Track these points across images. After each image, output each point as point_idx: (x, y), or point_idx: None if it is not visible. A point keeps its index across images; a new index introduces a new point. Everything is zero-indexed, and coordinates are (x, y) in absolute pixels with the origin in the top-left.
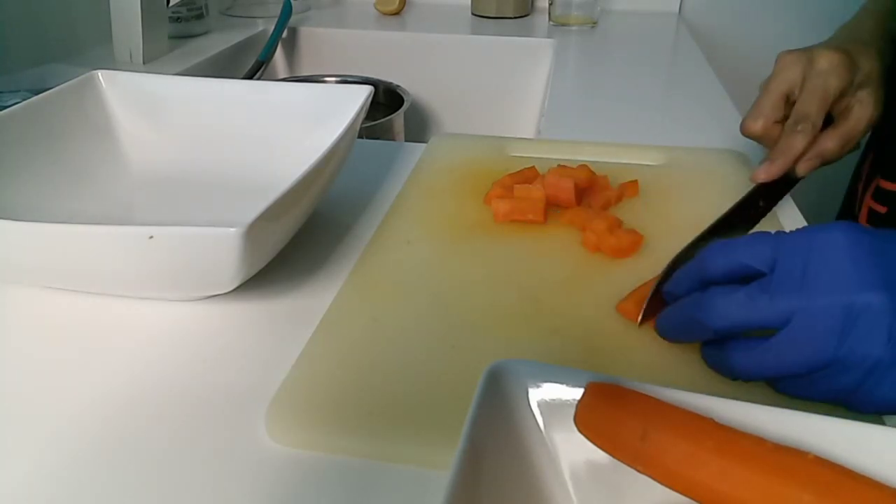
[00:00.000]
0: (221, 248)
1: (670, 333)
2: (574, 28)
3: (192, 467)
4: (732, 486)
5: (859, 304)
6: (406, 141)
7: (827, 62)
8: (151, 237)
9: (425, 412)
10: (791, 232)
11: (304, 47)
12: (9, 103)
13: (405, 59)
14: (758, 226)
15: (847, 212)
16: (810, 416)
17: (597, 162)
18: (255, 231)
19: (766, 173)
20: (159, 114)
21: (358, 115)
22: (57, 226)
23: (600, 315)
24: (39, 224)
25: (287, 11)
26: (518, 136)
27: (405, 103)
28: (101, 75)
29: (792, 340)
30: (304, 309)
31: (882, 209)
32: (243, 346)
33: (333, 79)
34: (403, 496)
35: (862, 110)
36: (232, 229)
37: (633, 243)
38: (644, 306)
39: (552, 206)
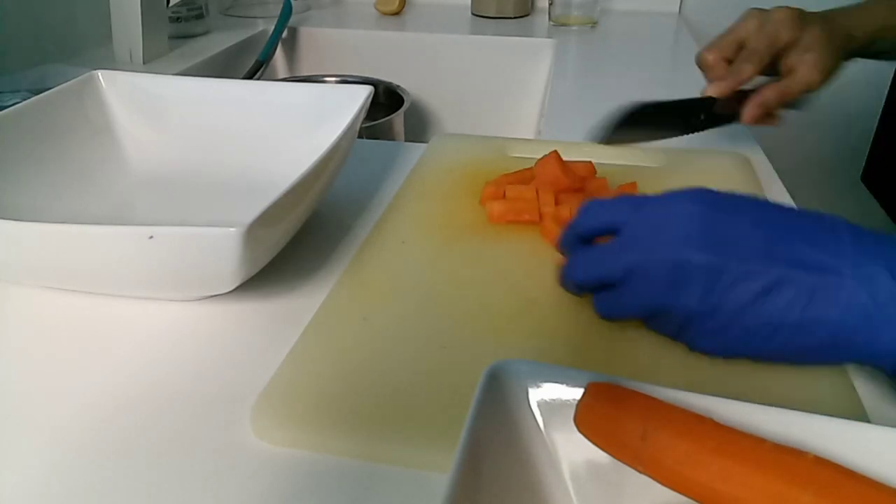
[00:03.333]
0: (221, 248)
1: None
2: (574, 28)
3: (185, 466)
4: (732, 486)
5: (681, 261)
6: (406, 141)
7: (780, 14)
8: (151, 237)
9: (413, 412)
10: (651, 196)
11: (304, 47)
12: (9, 103)
13: (405, 59)
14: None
15: None
16: (810, 416)
17: (596, 163)
18: (255, 231)
19: (715, 89)
20: (159, 114)
21: (358, 115)
22: (57, 226)
23: (595, 316)
24: (40, 224)
25: (287, 11)
26: (518, 136)
27: (405, 103)
28: (101, 75)
29: (631, 291)
30: (304, 309)
31: None
32: (243, 345)
33: (333, 79)
34: (387, 496)
35: (805, 71)
36: (232, 229)
37: None
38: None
39: (546, 193)
